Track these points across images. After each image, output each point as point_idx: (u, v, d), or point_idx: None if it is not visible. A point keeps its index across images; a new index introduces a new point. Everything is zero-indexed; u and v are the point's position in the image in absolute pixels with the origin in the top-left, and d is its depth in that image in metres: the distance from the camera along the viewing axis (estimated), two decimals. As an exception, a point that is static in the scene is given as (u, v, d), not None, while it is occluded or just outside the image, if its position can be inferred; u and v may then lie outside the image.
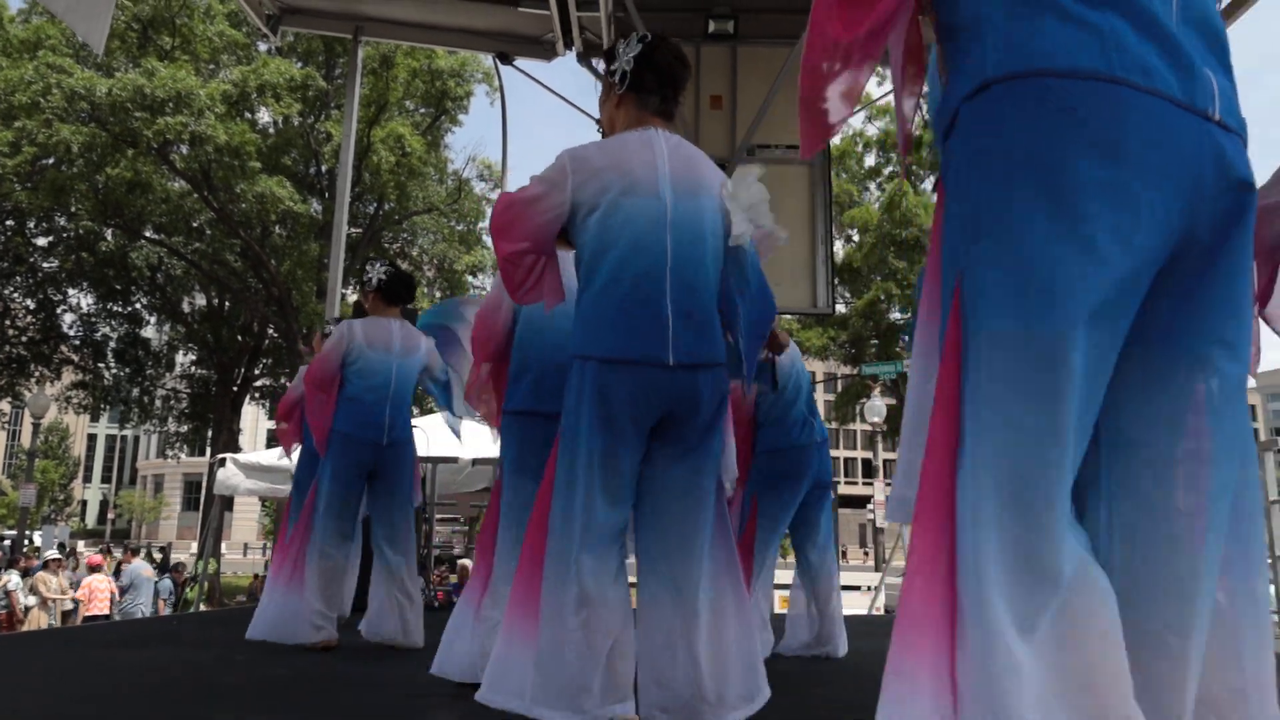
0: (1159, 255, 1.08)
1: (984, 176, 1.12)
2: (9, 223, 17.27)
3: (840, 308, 19.38)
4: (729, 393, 2.07)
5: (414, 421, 4.03)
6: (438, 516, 6.53)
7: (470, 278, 19.95)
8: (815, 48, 1.26)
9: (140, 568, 11.24)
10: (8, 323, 18.25)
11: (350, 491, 3.62)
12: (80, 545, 23.47)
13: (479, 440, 7.25)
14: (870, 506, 22.88)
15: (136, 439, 49.54)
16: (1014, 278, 1.07)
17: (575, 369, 1.95)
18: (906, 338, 19.04)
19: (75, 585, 11.00)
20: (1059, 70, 1.09)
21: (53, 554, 11.67)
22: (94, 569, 11.10)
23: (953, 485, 1.06)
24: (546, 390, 2.69)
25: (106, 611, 10.50)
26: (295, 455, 4.74)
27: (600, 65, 6.96)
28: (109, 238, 17.83)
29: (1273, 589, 4.64)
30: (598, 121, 7.26)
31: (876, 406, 18.75)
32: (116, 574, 11.76)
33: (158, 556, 18.15)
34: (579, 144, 2.09)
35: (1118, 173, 1.06)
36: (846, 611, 3.85)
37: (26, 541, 17.91)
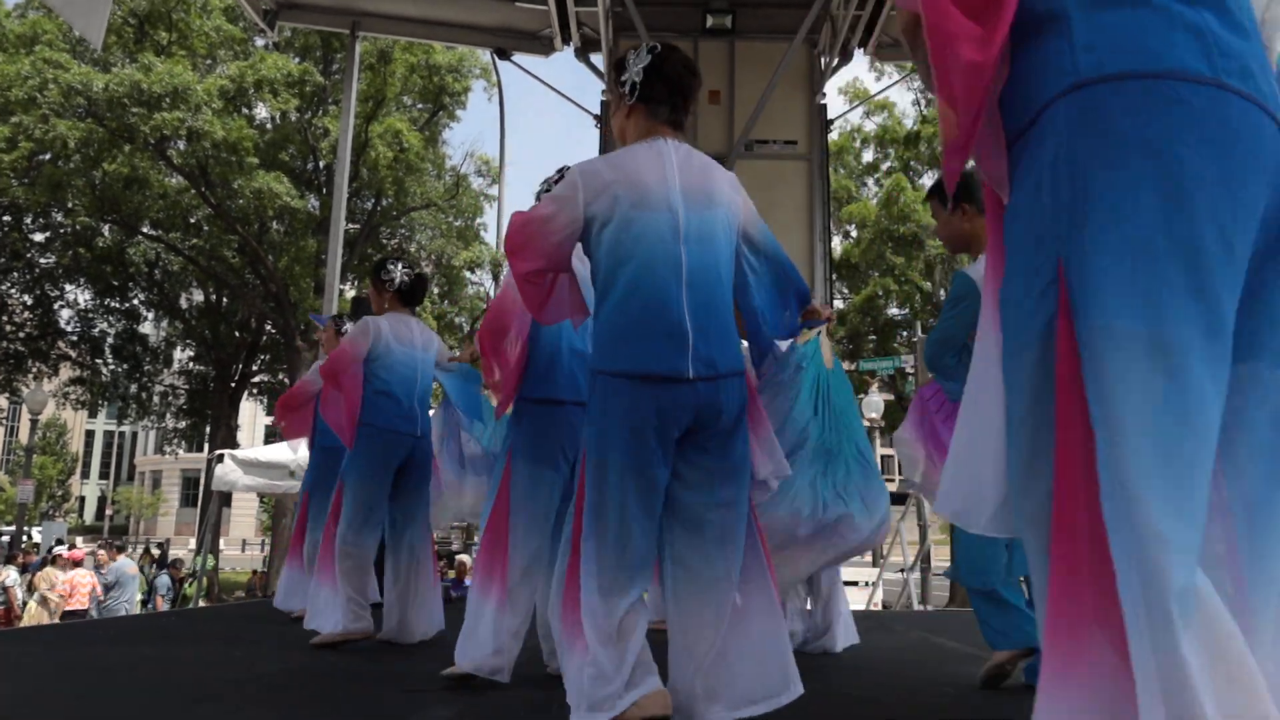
0: (1247, 262, 1.06)
1: (1086, 168, 1.07)
2: (5, 218, 17.23)
3: (838, 303, 19.38)
4: (748, 400, 2.09)
5: None
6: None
7: (468, 273, 19.94)
8: (949, 71, 1.16)
9: (125, 565, 11.17)
10: (5, 319, 18.21)
11: (384, 485, 3.66)
12: (79, 541, 23.47)
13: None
14: (868, 502, 22.84)
15: (134, 435, 49.50)
16: (1129, 270, 1.03)
17: (597, 385, 1.97)
18: (905, 333, 19.04)
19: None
20: (1163, 72, 1.06)
21: (62, 550, 11.69)
22: (76, 564, 11.11)
23: (1095, 494, 1.00)
24: (559, 377, 2.72)
25: (86, 607, 10.49)
26: (301, 448, 4.80)
27: (602, 64, 6.97)
28: (106, 233, 17.79)
29: None
30: (595, 117, 7.27)
31: (874, 402, 18.77)
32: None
33: (155, 552, 18.14)
34: (587, 157, 2.13)
35: (1225, 173, 1.04)
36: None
37: (25, 538, 17.91)
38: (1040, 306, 1.08)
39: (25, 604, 10.95)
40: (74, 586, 10.55)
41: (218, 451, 9.12)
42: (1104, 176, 1.06)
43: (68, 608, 10.34)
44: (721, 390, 1.96)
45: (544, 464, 2.69)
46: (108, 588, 10.72)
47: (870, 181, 20.58)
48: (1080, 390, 1.03)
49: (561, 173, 2.78)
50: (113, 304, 19.11)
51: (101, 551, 12.44)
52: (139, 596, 12.39)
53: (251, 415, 38.00)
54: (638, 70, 2.10)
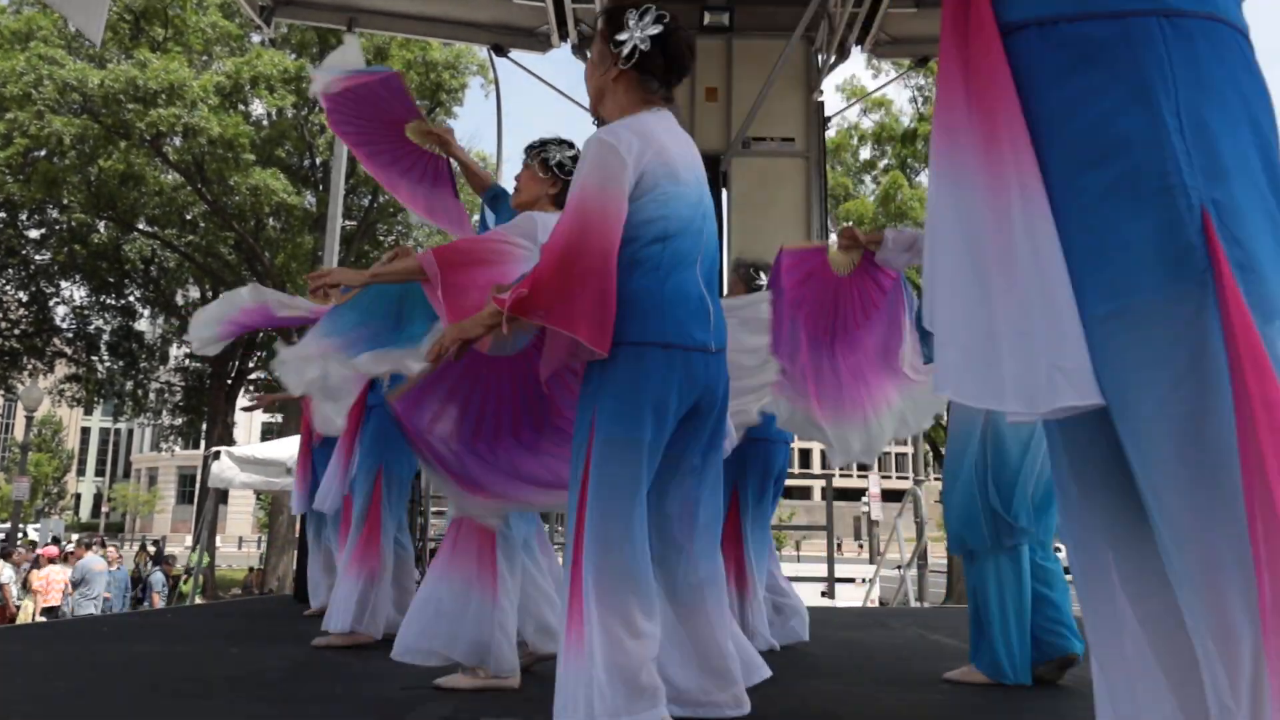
0: None
1: (1202, 111, 1.01)
2: (1, 215, 17.19)
3: (835, 301, 19.37)
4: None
5: None
6: (433, 510, 6.53)
7: (465, 270, 19.91)
8: None
9: (92, 561, 11.25)
10: (0, 315, 18.18)
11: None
12: (74, 538, 23.42)
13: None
14: (865, 499, 22.93)
15: (130, 432, 49.43)
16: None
17: (621, 357, 1.85)
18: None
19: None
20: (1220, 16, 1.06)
21: (65, 548, 11.77)
22: (51, 561, 11.23)
23: None
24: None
25: (59, 604, 10.61)
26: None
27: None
28: (102, 230, 17.74)
29: None
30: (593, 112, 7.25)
31: (871, 399, 18.73)
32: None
33: (151, 549, 18.12)
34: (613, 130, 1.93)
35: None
36: (842, 604, 3.88)
37: (21, 535, 17.88)
38: (1189, 256, 0.98)
39: (21, 601, 10.99)
40: (50, 583, 10.68)
41: (214, 448, 9.11)
42: (1218, 124, 1.01)
43: (45, 604, 10.49)
44: (722, 366, 2.00)
45: None
46: (75, 584, 10.79)
47: (868, 179, 20.59)
48: (1262, 353, 0.92)
49: (543, 143, 2.68)
50: (108, 301, 19.07)
51: (53, 548, 12.56)
52: (127, 593, 12.43)
53: (248, 412, 37.96)
54: (643, 38, 1.96)
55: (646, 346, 1.85)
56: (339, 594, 3.44)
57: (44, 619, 10.03)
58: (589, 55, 2.05)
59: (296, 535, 9.11)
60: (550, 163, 2.62)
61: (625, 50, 1.95)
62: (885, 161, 20.04)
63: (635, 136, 1.90)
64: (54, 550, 12.10)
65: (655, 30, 1.95)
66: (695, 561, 1.96)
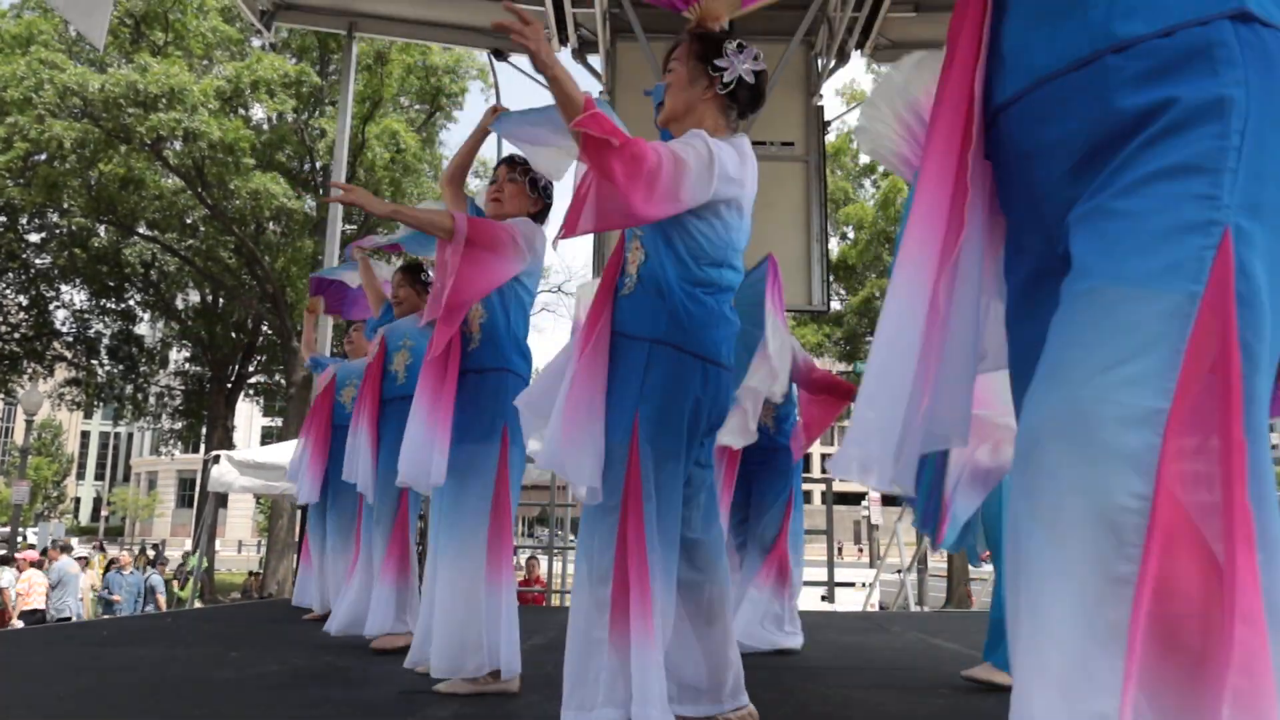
0: None
1: (1265, 133, 0.97)
2: (1, 219, 17.20)
3: (835, 305, 19.39)
4: None
5: None
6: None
7: (465, 274, 19.90)
8: None
9: (66, 564, 11.38)
10: (0, 319, 18.19)
11: None
12: (75, 542, 23.43)
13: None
14: (865, 503, 22.94)
15: (130, 436, 49.40)
16: None
17: (666, 359, 1.92)
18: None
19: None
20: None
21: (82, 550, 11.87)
22: (33, 565, 11.39)
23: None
24: (525, 352, 2.77)
25: (43, 606, 10.78)
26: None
27: (600, 65, 6.96)
28: (102, 234, 17.76)
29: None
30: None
31: (871, 403, 18.70)
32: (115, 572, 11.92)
33: (151, 554, 18.10)
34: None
35: None
36: (842, 608, 3.88)
37: (20, 539, 17.87)
38: (1190, 265, 0.95)
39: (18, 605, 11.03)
40: (31, 585, 10.82)
41: (214, 452, 9.10)
42: (1275, 157, 0.97)
43: (25, 607, 10.63)
44: (732, 384, 2.10)
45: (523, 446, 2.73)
46: (51, 587, 10.91)
47: (867, 183, 20.61)
48: (1238, 382, 0.90)
49: (526, 161, 2.77)
50: (108, 305, 19.08)
51: (33, 553, 12.66)
52: (139, 598, 12.49)
53: (248, 416, 37.93)
54: (748, 70, 2.06)
55: (686, 355, 1.92)
56: (377, 597, 3.45)
57: (20, 623, 10.12)
58: (670, 70, 2.09)
59: (296, 539, 9.11)
60: (538, 184, 2.82)
61: (728, 76, 2.04)
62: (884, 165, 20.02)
63: (735, 166, 1.95)
64: (33, 555, 12.26)
65: (759, 67, 2.09)
66: (718, 575, 2.02)
